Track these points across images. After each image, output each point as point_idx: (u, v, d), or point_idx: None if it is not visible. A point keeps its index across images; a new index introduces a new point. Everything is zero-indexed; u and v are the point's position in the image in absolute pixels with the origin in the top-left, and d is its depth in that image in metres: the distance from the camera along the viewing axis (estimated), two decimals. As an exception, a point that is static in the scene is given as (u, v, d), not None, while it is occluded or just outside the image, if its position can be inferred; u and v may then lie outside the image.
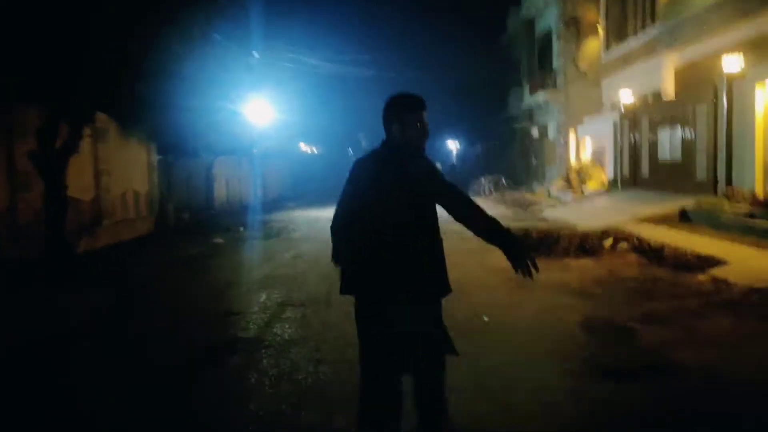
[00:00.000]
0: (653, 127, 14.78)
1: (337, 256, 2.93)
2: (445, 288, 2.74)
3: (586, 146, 20.73)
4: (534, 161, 28.11)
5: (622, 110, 16.86)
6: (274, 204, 23.90)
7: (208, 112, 21.71)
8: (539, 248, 9.34)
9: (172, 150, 20.06)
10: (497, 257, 2.84)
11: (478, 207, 2.64)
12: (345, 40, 42.77)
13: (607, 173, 17.98)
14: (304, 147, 45.18)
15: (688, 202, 11.80)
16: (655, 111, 14.75)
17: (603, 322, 5.50)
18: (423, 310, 2.67)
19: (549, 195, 21.89)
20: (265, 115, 24.62)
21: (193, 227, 14.66)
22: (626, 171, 16.49)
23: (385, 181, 2.67)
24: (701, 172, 12.46)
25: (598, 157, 19.41)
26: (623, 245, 9.27)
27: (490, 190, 24.84)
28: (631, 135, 16.14)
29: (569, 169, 20.72)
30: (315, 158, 46.94)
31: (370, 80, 30.26)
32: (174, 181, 19.15)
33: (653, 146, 14.77)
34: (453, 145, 59.35)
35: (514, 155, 31.89)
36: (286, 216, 19.64)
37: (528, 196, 22.47)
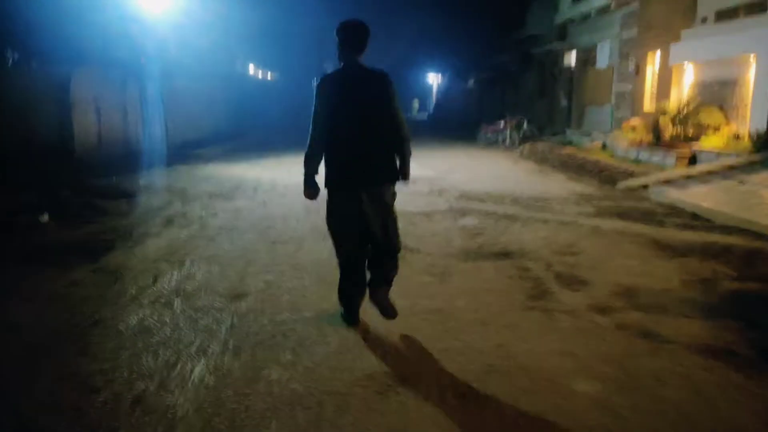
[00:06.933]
0: None
1: (312, 165, 3.51)
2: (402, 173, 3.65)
3: (684, 78, 12.97)
4: (564, 100, 20.26)
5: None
6: (188, 149, 15.63)
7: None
8: None
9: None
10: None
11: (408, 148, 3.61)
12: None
13: (748, 123, 10.37)
14: (256, 72, 35.88)
15: None
16: None
17: None
18: (392, 187, 3.60)
19: (606, 150, 14.25)
20: (179, 9, 15.82)
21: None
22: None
23: (367, 93, 3.44)
24: None
25: (714, 97, 11.73)
26: None
27: (513, 141, 16.97)
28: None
29: (652, 113, 13.05)
30: (269, 86, 37.05)
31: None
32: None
33: None
34: (433, 78, 49.98)
35: (530, 91, 23.92)
36: (193, 174, 11.60)
37: (572, 151, 14.78)
